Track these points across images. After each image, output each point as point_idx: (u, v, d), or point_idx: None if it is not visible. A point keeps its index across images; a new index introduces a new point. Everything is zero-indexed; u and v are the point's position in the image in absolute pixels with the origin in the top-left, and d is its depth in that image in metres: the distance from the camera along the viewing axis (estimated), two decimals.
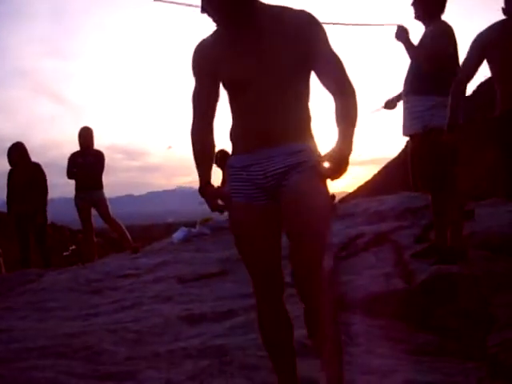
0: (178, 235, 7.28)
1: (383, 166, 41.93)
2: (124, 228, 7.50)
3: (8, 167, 7.60)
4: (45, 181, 7.49)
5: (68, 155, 7.67)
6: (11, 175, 7.54)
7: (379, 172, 41.48)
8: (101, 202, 7.41)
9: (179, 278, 5.21)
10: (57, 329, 3.86)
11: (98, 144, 7.60)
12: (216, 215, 8.03)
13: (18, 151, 7.48)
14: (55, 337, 3.62)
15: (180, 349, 3.24)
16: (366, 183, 41.79)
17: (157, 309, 4.18)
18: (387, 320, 3.55)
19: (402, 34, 4.13)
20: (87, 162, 7.37)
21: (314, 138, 2.19)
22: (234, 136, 2.22)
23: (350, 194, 31.49)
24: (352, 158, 2.02)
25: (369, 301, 3.73)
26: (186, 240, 7.15)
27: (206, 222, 7.58)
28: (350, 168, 2.00)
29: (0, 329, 3.99)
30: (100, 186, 7.48)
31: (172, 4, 3.54)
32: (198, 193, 2.16)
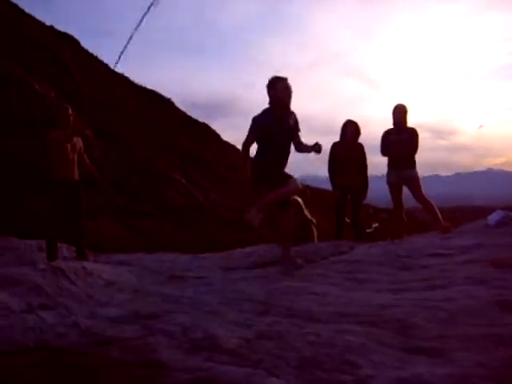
0: (493, 218, 6.81)
1: None
2: (436, 208, 7.33)
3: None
4: (365, 159, 7.89)
5: (375, 134, 7.82)
6: (335, 150, 7.95)
7: None
8: (413, 181, 7.34)
9: (494, 261, 4.87)
10: (368, 299, 3.97)
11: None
12: None
13: (355, 127, 7.92)
14: (366, 306, 3.73)
15: (494, 334, 3.03)
16: None
17: (470, 291, 3.97)
18: None
19: None
20: (401, 139, 7.36)
21: None
22: None
23: None
24: None
25: None
26: (502, 223, 6.65)
27: None
28: None
29: (316, 292, 4.29)
30: (413, 164, 7.41)
31: None
32: None
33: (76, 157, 6.87)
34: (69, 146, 6.75)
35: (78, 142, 7.02)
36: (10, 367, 3.01)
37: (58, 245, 7.03)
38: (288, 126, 5.40)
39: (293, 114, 5.44)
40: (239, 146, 5.56)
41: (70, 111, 6.89)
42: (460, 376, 2.44)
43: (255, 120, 5.33)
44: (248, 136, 5.41)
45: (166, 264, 6.85)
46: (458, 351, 2.81)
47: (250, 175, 5.47)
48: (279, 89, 5.26)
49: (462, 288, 4.06)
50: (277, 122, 5.32)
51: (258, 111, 5.36)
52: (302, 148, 5.60)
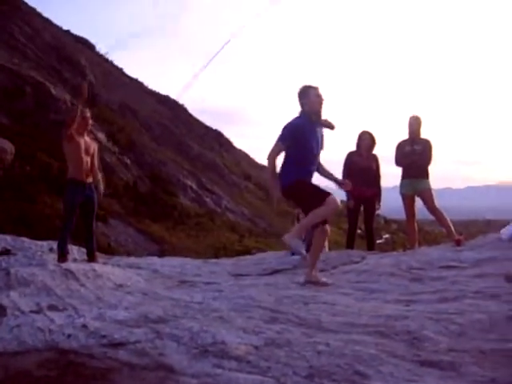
0: (506, 231, 6.73)
1: None
2: (449, 220, 7.29)
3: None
4: (379, 169, 7.89)
5: (393, 145, 7.80)
6: (350, 159, 7.92)
7: None
8: (426, 192, 7.32)
9: (507, 275, 4.81)
10: (378, 310, 3.93)
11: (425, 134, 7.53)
12: None
13: (370, 138, 7.92)
14: (377, 317, 3.69)
15: (506, 349, 2.98)
16: None
17: (481, 305, 3.92)
18: None
19: None
20: (415, 150, 7.35)
21: None
22: None
23: None
24: None
25: None
26: None
27: None
28: None
29: (325, 301, 4.26)
30: (426, 175, 7.39)
31: None
32: None
33: (90, 159, 6.88)
34: (83, 148, 6.76)
35: (93, 145, 7.03)
36: (18, 367, 3.01)
37: (69, 246, 7.03)
38: (320, 135, 5.31)
39: (322, 130, 5.36)
40: (251, 154, 5.40)
41: (88, 114, 6.88)
42: None
43: (289, 125, 5.20)
44: (275, 145, 5.19)
45: (176, 269, 6.84)
46: (470, 365, 2.77)
47: (287, 192, 5.23)
48: (312, 96, 5.21)
49: (474, 302, 4.02)
50: (312, 126, 5.22)
51: (268, 120, 5.26)
52: (326, 173, 5.50)
